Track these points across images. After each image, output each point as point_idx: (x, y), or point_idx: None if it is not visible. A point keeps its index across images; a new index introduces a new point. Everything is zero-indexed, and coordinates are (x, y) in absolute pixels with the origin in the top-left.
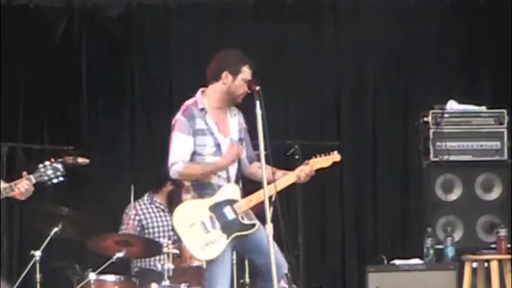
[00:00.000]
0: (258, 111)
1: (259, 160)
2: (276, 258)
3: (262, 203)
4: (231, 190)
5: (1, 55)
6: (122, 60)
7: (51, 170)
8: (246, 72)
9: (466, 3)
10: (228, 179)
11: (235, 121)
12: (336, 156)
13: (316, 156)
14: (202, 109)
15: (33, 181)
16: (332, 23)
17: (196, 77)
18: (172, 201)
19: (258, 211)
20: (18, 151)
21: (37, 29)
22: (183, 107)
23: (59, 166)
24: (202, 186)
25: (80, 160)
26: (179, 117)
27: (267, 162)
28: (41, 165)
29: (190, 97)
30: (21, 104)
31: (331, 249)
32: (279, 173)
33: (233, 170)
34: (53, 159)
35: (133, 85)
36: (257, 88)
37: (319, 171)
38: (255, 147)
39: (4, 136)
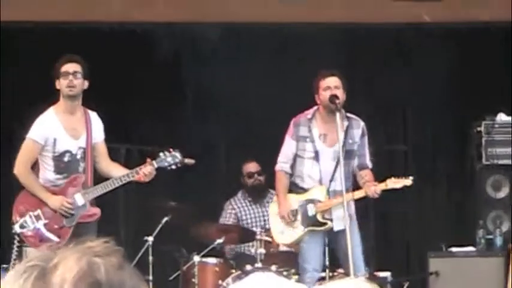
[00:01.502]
0: (338, 122)
1: (367, 168)
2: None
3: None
4: (319, 191)
5: (120, 72)
6: (219, 75)
7: (170, 157)
8: (326, 82)
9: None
10: (320, 182)
11: (342, 133)
12: (408, 181)
13: (393, 177)
14: (309, 119)
15: (155, 165)
16: (400, 45)
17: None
18: (254, 194)
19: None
20: (134, 152)
21: (147, 48)
22: (298, 116)
23: (177, 154)
24: (295, 185)
25: (187, 160)
26: (291, 123)
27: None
28: (161, 154)
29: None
30: (137, 111)
31: (397, 238)
32: (366, 184)
33: (327, 175)
34: (171, 149)
35: (230, 97)
36: (337, 101)
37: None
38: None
39: (122, 139)
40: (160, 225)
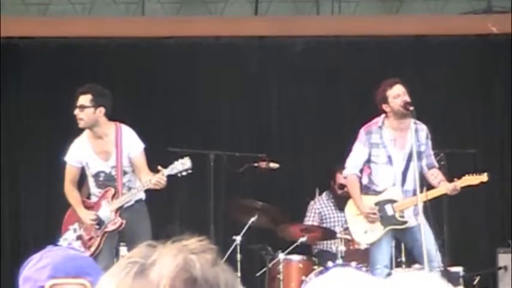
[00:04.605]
0: (412, 127)
1: (435, 167)
2: (429, 253)
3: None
4: (394, 191)
5: (211, 84)
6: (301, 86)
7: (180, 165)
8: (394, 90)
9: None
10: (394, 183)
11: (413, 137)
12: (484, 177)
13: (469, 175)
14: (380, 127)
15: (165, 174)
16: (469, 55)
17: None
18: (340, 203)
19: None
20: (223, 158)
21: (237, 63)
22: (367, 124)
23: (187, 161)
24: (368, 188)
25: (272, 165)
26: (361, 131)
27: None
28: (175, 162)
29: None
30: (225, 119)
31: (468, 235)
32: (442, 183)
33: (399, 176)
34: (185, 159)
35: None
36: (411, 108)
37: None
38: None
39: (212, 145)
40: (247, 225)
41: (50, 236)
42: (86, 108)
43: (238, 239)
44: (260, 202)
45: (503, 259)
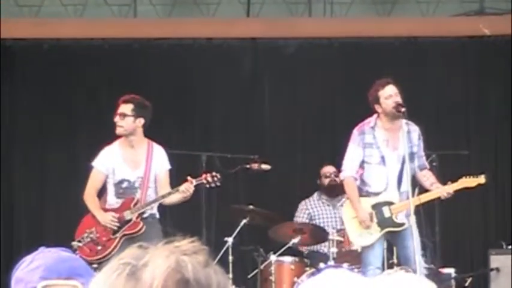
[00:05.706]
0: (404, 128)
1: (426, 168)
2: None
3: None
4: (391, 194)
5: (204, 85)
6: (294, 87)
7: (210, 178)
8: (386, 91)
9: None
10: (387, 185)
11: (405, 139)
12: (481, 179)
13: (465, 177)
14: (372, 127)
15: (194, 183)
16: (463, 57)
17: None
18: (330, 193)
19: None
20: (215, 159)
21: (230, 64)
22: (360, 124)
23: (218, 175)
24: (361, 189)
25: (263, 166)
26: (354, 131)
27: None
28: (204, 175)
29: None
30: (217, 120)
31: (461, 236)
32: (435, 185)
33: (393, 178)
34: (214, 173)
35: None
36: (402, 110)
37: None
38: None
39: (203, 147)
40: (239, 227)
41: (44, 237)
42: (127, 117)
43: (230, 240)
44: (250, 205)
45: (495, 261)
